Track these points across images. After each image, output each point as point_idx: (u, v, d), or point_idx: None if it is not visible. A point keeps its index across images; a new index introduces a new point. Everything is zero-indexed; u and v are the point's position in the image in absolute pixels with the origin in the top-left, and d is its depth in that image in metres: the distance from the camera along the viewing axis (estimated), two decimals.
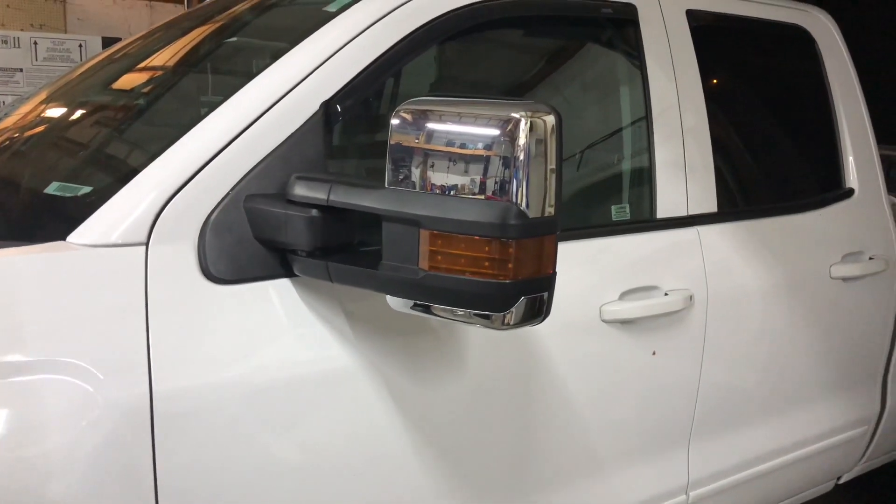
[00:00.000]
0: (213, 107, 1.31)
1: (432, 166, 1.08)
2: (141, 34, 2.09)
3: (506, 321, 1.09)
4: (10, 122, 1.84)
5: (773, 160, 2.22)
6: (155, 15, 5.83)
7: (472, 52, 1.68)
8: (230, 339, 1.20)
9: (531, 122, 1.04)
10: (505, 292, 1.07)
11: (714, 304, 1.81)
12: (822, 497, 2.45)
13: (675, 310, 1.73)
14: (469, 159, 1.06)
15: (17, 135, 1.76)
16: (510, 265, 1.05)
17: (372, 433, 1.34)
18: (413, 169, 1.09)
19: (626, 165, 1.83)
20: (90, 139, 1.62)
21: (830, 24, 2.27)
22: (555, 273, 1.12)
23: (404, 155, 1.10)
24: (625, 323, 1.66)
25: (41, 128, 1.76)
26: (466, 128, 1.06)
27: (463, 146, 1.06)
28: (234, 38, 1.84)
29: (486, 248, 1.05)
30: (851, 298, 2.17)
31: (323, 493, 1.31)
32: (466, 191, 1.06)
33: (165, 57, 1.84)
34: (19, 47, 4.92)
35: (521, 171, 1.04)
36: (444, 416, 1.44)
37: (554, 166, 1.06)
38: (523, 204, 1.05)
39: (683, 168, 1.82)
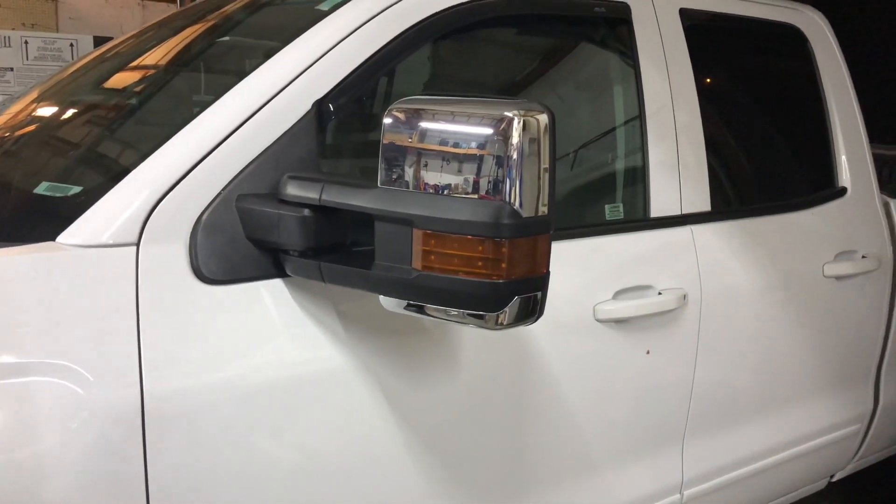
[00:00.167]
0: (204, 106, 1.30)
1: (425, 165, 1.07)
2: (132, 33, 2.08)
3: (499, 321, 1.09)
4: (0, 121, 1.83)
5: (766, 159, 2.22)
6: (147, 14, 5.80)
7: (466, 50, 1.68)
8: (222, 339, 1.20)
9: (524, 121, 1.03)
10: (498, 292, 1.06)
11: (708, 303, 1.82)
12: (815, 495, 2.46)
13: (668, 309, 1.72)
14: (462, 158, 1.05)
15: (7, 134, 1.74)
16: (503, 265, 1.05)
17: (365, 434, 1.34)
18: (406, 168, 1.09)
19: (620, 164, 1.83)
20: (81, 139, 1.61)
21: (823, 22, 2.28)
22: (548, 272, 1.12)
23: (397, 154, 1.09)
24: (619, 322, 1.66)
25: (31, 127, 1.75)
26: (459, 127, 1.06)
27: (456, 145, 1.06)
28: (226, 38, 1.83)
29: (480, 248, 1.05)
30: (844, 297, 2.17)
31: (316, 495, 1.31)
32: (460, 190, 1.06)
33: (157, 56, 1.83)
34: (10, 46, 4.89)
35: (514, 171, 1.03)
36: (438, 417, 1.43)
37: (547, 165, 1.06)
38: (517, 203, 1.04)
39: (677, 167, 1.82)
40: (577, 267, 1.62)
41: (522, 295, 1.08)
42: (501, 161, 1.03)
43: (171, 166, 1.22)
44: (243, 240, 1.24)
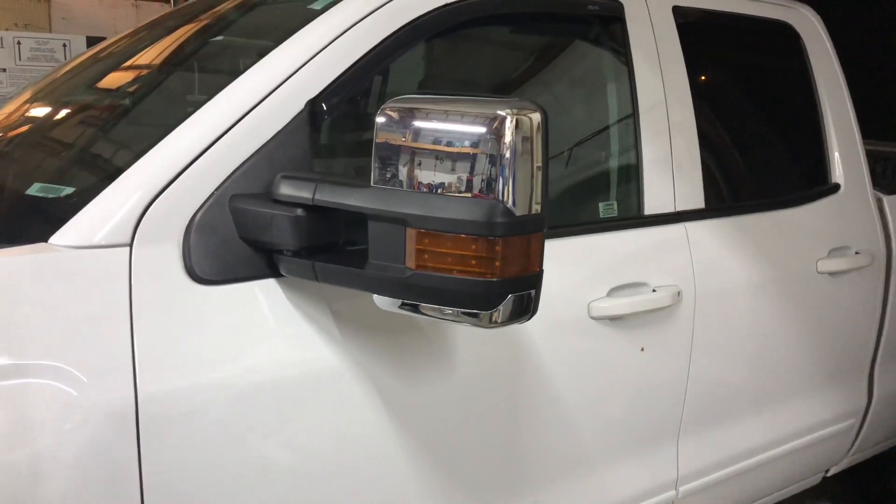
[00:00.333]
0: (197, 106, 1.30)
1: (419, 164, 1.07)
2: (125, 33, 2.07)
3: (493, 319, 1.09)
4: None
5: (760, 156, 2.22)
6: (141, 14, 5.79)
7: (459, 49, 1.68)
8: (216, 340, 1.20)
9: (517, 119, 1.03)
10: (492, 290, 1.07)
11: (702, 300, 1.82)
12: (810, 489, 2.47)
13: (663, 306, 1.73)
14: (455, 157, 1.05)
15: None
16: (497, 263, 1.05)
17: (360, 433, 1.34)
18: (399, 167, 1.08)
19: (614, 162, 1.84)
20: (73, 139, 1.60)
21: (815, 20, 2.28)
22: (542, 271, 1.12)
23: (390, 153, 1.09)
24: (613, 319, 1.66)
25: (24, 128, 1.75)
26: (452, 125, 1.06)
27: (449, 144, 1.06)
28: (219, 37, 1.82)
29: (473, 247, 1.05)
30: (838, 293, 2.18)
31: (311, 495, 1.31)
32: (453, 189, 1.06)
33: (150, 56, 1.82)
34: (3, 47, 4.88)
35: (507, 169, 1.03)
36: (433, 415, 1.43)
37: (540, 164, 1.06)
38: (510, 202, 1.04)
39: (671, 164, 1.82)
40: (572, 265, 1.62)
41: (516, 293, 1.08)
42: (494, 160, 1.03)
43: (163, 167, 1.21)
44: (237, 240, 1.24)
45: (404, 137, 1.08)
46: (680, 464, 1.90)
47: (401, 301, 1.13)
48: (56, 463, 1.06)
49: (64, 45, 4.97)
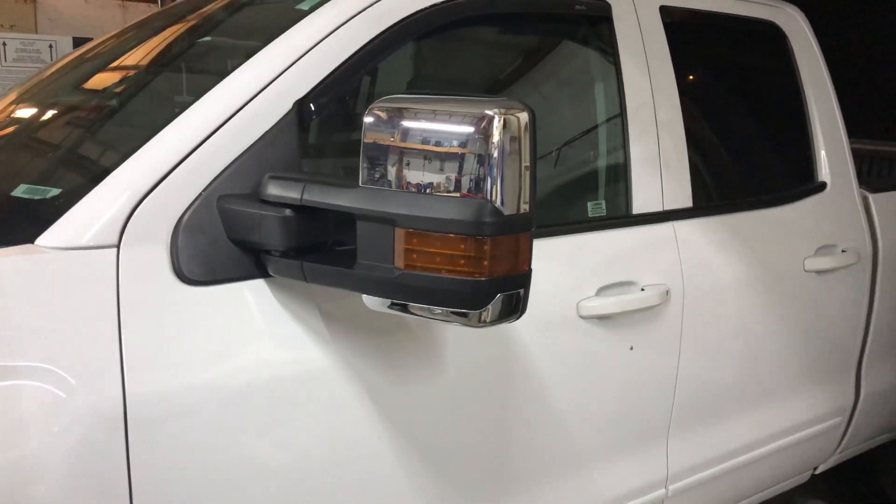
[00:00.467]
0: (185, 107, 1.29)
1: (407, 164, 1.07)
2: (112, 34, 2.06)
3: (482, 318, 1.09)
4: None
5: (747, 155, 2.23)
6: (128, 15, 5.75)
7: (447, 49, 1.68)
8: (205, 341, 1.19)
9: (505, 119, 1.03)
10: (481, 290, 1.07)
11: (690, 299, 1.83)
12: (799, 487, 2.49)
13: (651, 305, 1.74)
14: (443, 157, 1.05)
15: None
16: (486, 262, 1.05)
17: (351, 433, 1.34)
18: (388, 167, 1.08)
19: (602, 162, 1.84)
20: (60, 140, 1.59)
21: (801, 19, 2.30)
22: (530, 270, 1.12)
23: (378, 153, 1.09)
24: (602, 318, 1.66)
25: (10, 129, 1.73)
26: (440, 125, 1.06)
27: (437, 144, 1.06)
28: (207, 38, 1.82)
29: (462, 246, 1.05)
30: (825, 291, 2.20)
31: (301, 495, 1.30)
32: (442, 189, 1.06)
33: (137, 57, 1.81)
34: None
35: (495, 169, 1.03)
36: (423, 415, 1.43)
37: (528, 163, 1.06)
38: (498, 201, 1.04)
39: (658, 163, 1.83)
40: (561, 264, 1.62)
41: (505, 292, 1.09)
42: (482, 159, 1.03)
43: (151, 167, 1.21)
44: (225, 240, 1.23)
45: (392, 137, 1.08)
46: (670, 462, 1.91)
47: (390, 301, 1.13)
48: (44, 465, 1.06)
49: (50, 46, 4.94)
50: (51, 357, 1.07)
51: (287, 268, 1.21)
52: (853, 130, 2.38)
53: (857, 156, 2.46)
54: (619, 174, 1.80)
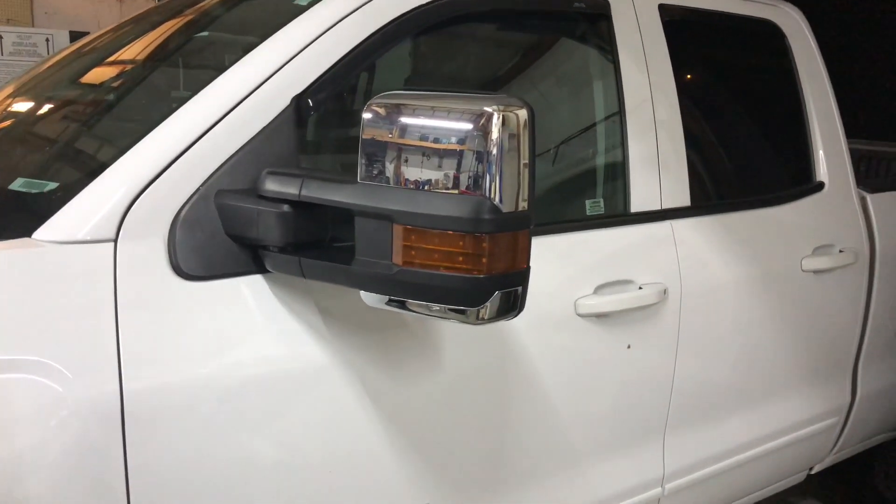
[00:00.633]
0: (182, 101, 1.29)
1: (405, 161, 1.07)
2: (109, 28, 2.05)
3: (480, 316, 1.09)
4: None
5: (745, 154, 2.24)
6: (125, 9, 5.73)
7: (446, 46, 1.68)
8: (202, 336, 1.19)
9: (504, 116, 1.03)
10: (479, 287, 1.07)
11: (688, 298, 1.83)
12: (795, 487, 2.49)
13: (649, 303, 1.74)
14: (442, 154, 1.05)
15: None
16: (484, 260, 1.05)
17: (347, 429, 1.34)
18: (386, 163, 1.08)
19: (600, 160, 1.84)
20: (57, 135, 1.59)
21: (800, 18, 2.30)
22: (529, 267, 1.12)
23: (377, 149, 1.09)
24: (600, 317, 1.66)
25: (6, 123, 1.73)
26: (439, 122, 1.06)
27: (436, 140, 1.05)
28: (205, 33, 1.81)
29: (460, 243, 1.05)
30: (822, 291, 2.20)
31: (297, 491, 1.30)
32: (440, 185, 1.06)
33: (135, 51, 1.81)
34: None
35: (494, 166, 1.03)
36: (421, 412, 1.43)
37: (527, 160, 1.06)
38: (497, 198, 1.04)
39: (657, 162, 1.83)
40: (558, 262, 1.62)
41: (503, 290, 1.08)
42: (481, 156, 1.03)
43: (148, 162, 1.20)
44: (222, 236, 1.23)
45: (391, 134, 1.08)
46: (666, 461, 1.91)
47: (388, 297, 1.13)
48: (41, 459, 1.06)
49: (47, 40, 4.92)
50: (48, 351, 1.07)
51: (285, 263, 1.21)
52: (851, 131, 2.38)
53: (856, 156, 2.46)
54: (618, 173, 1.80)
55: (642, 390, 1.81)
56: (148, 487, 1.14)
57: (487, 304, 1.08)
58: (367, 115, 1.09)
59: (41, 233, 1.15)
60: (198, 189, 1.22)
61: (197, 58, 1.72)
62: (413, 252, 1.07)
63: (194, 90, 1.30)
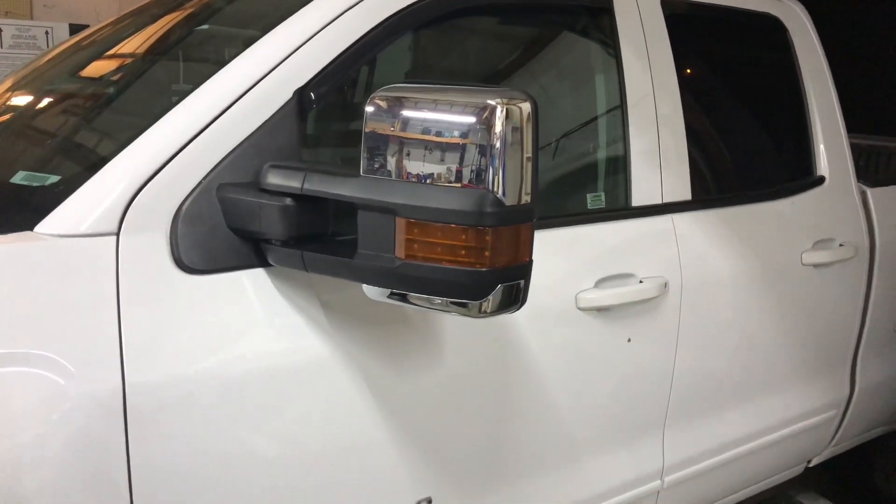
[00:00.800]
0: (184, 95, 1.28)
1: (408, 154, 1.07)
2: (110, 20, 2.05)
3: (483, 309, 1.09)
4: None
5: (746, 148, 2.24)
6: (124, 2, 5.71)
7: (448, 39, 1.68)
8: (204, 329, 1.19)
9: (507, 109, 1.03)
10: (482, 280, 1.07)
11: (688, 292, 1.83)
12: (793, 479, 2.50)
13: (649, 297, 1.74)
14: (444, 147, 1.05)
15: None
16: (487, 253, 1.05)
17: (349, 423, 1.34)
18: (388, 157, 1.08)
19: (602, 154, 1.84)
20: (59, 128, 1.58)
21: (802, 13, 2.29)
22: (531, 261, 1.12)
23: (379, 143, 1.09)
24: (600, 310, 1.67)
25: (7, 116, 1.72)
26: (442, 115, 1.05)
27: (438, 134, 1.05)
28: (206, 26, 1.81)
29: (463, 237, 1.05)
30: (822, 285, 2.20)
31: (300, 484, 1.31)
32: (442, 179, 1.06)
33: (135, 44, 1.80)
34: None
35: (497, 159, 1.03)
36: (421, 405, 1.44)
37: (530, 154, 1.06)
38: (499, 192, 1.04)
39: (658, 156, 1.83)
40: (560, 255, 1.62)
41: (505, 283, 1.09)
42: (484, 149, 1.03)
43: (150, 155, 1.20)
44: (225, 229, 1.23)
45: (393, 127, 1.08)
46: (666, 454, 1.91)
47: (389, 290, 1.13)
48: (43, 453, 1.06)
49: (46, 33, 4.90)
50: (50, 345, 1.07)
51: (287, 257, 1.21)
52: (852, 125, 2.38)
53: (856, 151, 2.46)
54: (619, 166, 1.80)
55: (642, 384, 1.82)
56: (150, 481, 1.14)
57: (490, 297, 1.08)
58: (369, 109, 1.09)
59: (43, 226, 1.15)
60: (200, 182, 1.22)
61: (199, 51, 1.72)
62: (416, 245, 1.07)
63: (196, 83, 1.30)
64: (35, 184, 1.31)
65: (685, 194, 1.88)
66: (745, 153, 2.22)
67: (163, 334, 1.16)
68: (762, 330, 2.07)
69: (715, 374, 1.99)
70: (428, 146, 1.06)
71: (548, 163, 1.76)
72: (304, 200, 1.18)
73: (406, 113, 1.07)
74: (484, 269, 1.06)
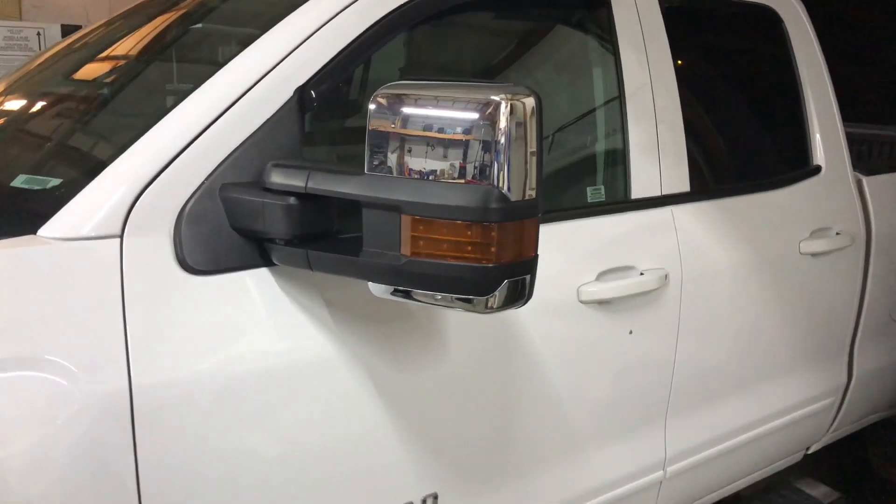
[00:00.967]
0: (185, 95, 1.28)
1: (410, 151, 1.07)
2: (107, 20, 2.03)
3: (489, 305, 1.09)
4: None
5: (743, 139, 2.25)
6: (114, 2, 5.67)
7: (448, 35, 1.67)
8: (210, 330, 1.19)
9: (511, 104, 1.03)
10: (488, 276, 1.07)
11: (688, 283, 1.84)
12: (792, 466, 2.52)
13: (650, 289, 1.75)
14: (448, 144, 1.05)
15: None
16: (493, 249, 1.05)
17: (355, 420, 1.34)
18: (393, 154, 1.08)
19: (600, 147, 1.84)
20: (59, 130, 1.57)
21: (797, 4, 2.30)
22: (537, 256, 1.12)
23: (383, 140, 1.08)
24: (602, 303, 1.67)
25: (4, 119, 1.71)
26: (445, 112, 1.05)
27: (441, 130, 1.05)
28: (207, 25, 1.80)
29: (469, 233, 1.05)
30: (820, 273, 2.22)
31: (307, 482, 1.31)
32: (446, 176, 1.06)
33: (136, 44, 1.79)
34: None
35: (501, 155, 1.03)
36: (426, 401, 1.44)
37: (534, 149, 1.06)
38: (505, 187, 1.04)
39: (656, 148, 1.83)
40: (561, 249, 1.63)
41: (511, 278, 1.09)
42: (488, 145, 1.03)
43: (152, 157, 1.20)
44: (228, 229, 1.23)
45: (397, 124, 1.08)
46: (668, 444, 1.93)
47: (393, 287, 1.13)
48: (51, 456, 1.06)
49: (38, 34, 4.86)
50: (56, 348, 1.07)
51: (291, 256, 1.21)
52: (847, 115, 2.39)
53: (859, 140, 2.47)
54: (618, 159, 1.80)
55: (644, 375, 1.83)
56: (159, 481, 1.14)
57: (496, 292, 1.08)
58: (373, 107, 1.09)
59: (46, 230, 1.14)
60: (202, 183, 1.21)
61: (199, 51, 1.71)
62: (421, 242, 1.07)
63: (197, 83, 1.29)
64: (36, 187, 1.30)
65: (683, 186, 1.88)
66: (742, 144, 2.23)
67: (168, 335, 1.15)
68: (762, 319, 2.08)
69: (716, 363, 2.01)
70: (431, 143, 1.06)
71: (548, 157, 1.76)
72: (307, 199, 1.18)
73: (409, 110, 1.07)
74: (490, 265, 1.06)
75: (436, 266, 1.07)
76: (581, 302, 1.64)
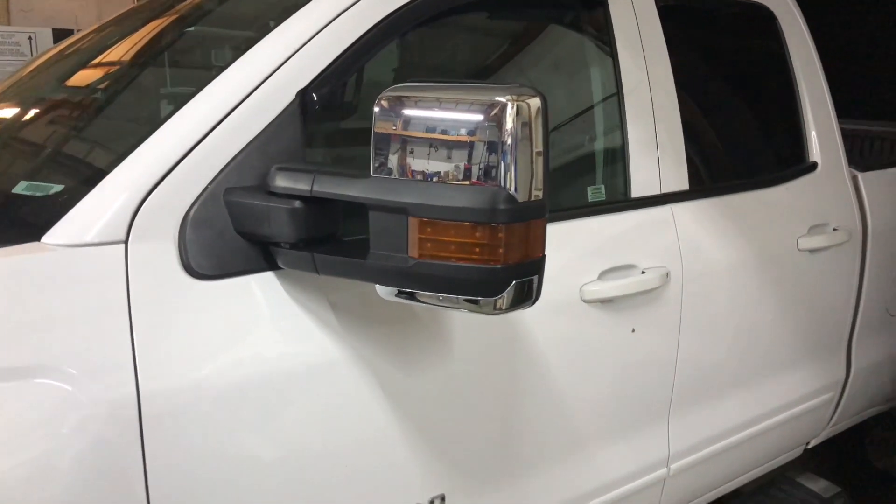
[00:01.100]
0: (186, 99, 1.27)
1: (415, 153, 1.07)
2: (103, 24, 2.02)
3: (497, 306, 1.09)
4: None
5: (740, 137, 2.25)
6: (102, 6, 5.64)
7: (450, 36, 1.67)
8: (216, 334, 1.19)
9: (517, 105, 1.03)
10: (496, 277, 1.07)
11: (689, 280, 1.85)
12: (792, 461, 2.53)
13: (652, 287, 1.75)
14: (453, 145, 1.05)
15: None
16: (500, 250, 1.05)
17: (362, 422, 1.34)
18: (398, 156, 1.08)
19: (600, 146, 1.85)
20: (61, 136, 1.57)
21: (791, 2, 2.31)
22: (544, 256, 1.13)
23: (388, 143, 1.08)
24: (604, 302, 1.68)
25: (3, 125, 1.70)
26: (451, 113, 1.05)
27: (447, 132, 1.05)
28: (208, 28, 1.79)
29: (476, 234, 1.05)
30: (818, 269, 2.23)
31: (315, 484, 1.31)
32: (451, 177, 1.06)
33: (137, 49, 1.78)
34: None
35: (508, 156, 1.03)
36: (432, 402, 1.44)
37: (540, 149, 1.06)
38: (511, 188, 1.04)
39: (655, 147, 1.84)
40: (564, 249, 1.63)
41: (519, 279, 1.09)
42: (495, 146, 1.03)
43: (155, 162, 1.19)
44: (232, 234, 1.23)
45: (402, 127, 1.07)
46: (671, 442, 1.93)
47: (397, 289, 1.13)
48: (59, 463, 1.05)
49: (30, 39, 4.83)
50: (63, 355, 1.06)
51: (297, 260, 1.21)
52: (842, 112, 2.41)
53: (861, 136, 2.49)
54: (617, 158, 1.81)
55: (647, 373, 1.83)
56: (167, 487, 1.14)
57: (504, 294, 1.08)
58: (377, 109, 1.08)
59: (51, 236, 1.13)
60: (206, 187, 1.21)
61: (200, 55, 1.70)
62: (429, 244, 1.07)
63: (199, 87, 1.29)
64: (38, 194, 1.29)
65: (683, 184, 1.89)
66: (739, 141, 2.24)
67: (175, 340, 1.15)
68: (761, 315, 2.09)
69: (717, 360, 2.01)
70: (436, 144, 1.06)
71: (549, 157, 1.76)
72: (312, 202, 1.18)
73: (414, 112, 1.07)
74: (498, 266, 1.06)
75: (444, 268, 1.07)
76: (584, 301, 1.64)
